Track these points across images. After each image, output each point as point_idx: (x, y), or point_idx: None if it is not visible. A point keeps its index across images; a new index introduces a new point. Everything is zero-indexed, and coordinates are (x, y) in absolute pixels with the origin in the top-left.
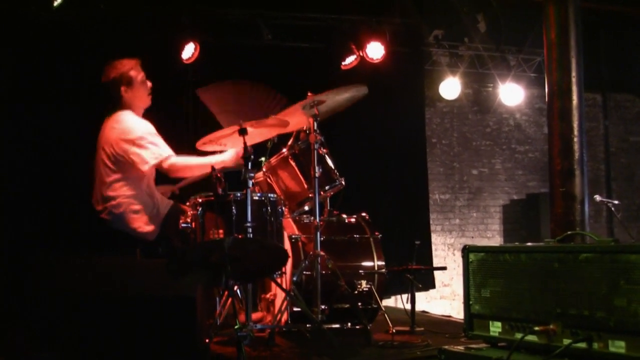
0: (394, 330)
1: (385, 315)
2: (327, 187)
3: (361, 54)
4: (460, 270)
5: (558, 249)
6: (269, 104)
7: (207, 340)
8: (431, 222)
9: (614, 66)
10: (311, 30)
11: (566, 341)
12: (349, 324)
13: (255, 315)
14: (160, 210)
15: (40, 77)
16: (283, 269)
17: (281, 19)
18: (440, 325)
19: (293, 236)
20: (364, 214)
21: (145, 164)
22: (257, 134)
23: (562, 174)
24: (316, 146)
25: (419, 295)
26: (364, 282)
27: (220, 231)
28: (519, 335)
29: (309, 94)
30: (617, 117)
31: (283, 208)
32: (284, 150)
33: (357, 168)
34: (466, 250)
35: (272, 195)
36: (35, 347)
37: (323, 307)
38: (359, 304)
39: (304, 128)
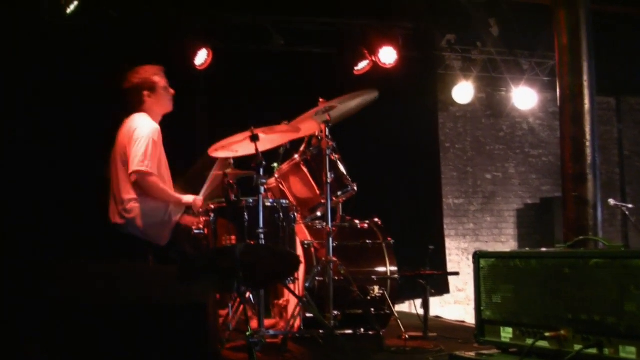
0: (406, 336)
1: (398, 320)
2: (339, 193)
3: (373, 59)
4: None
5: (568, 254)
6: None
7: (219, 347)
8: (445, 226)
9: (627, 70)
10: (323, 35)
11: (577, 347)
12: (362, 329)
13: (268, 322)
14: (172, 216)
15: (55, 83)
16: (295, 275)
17: (293, 25)
18: (454, 331)
19: (305, 242)
20: (376, 220)
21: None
22: (269, 140)
23: (574, 179)
24: (328, 152)
25: (433, 301)
26: (376, 288)
27: (233, 237)
28: (530, 341)
29: (321, 100)
30: (631, 121)
31: (295, 214)
32: (296, 156)
33: (371, 173)
34: (477, 256)
35: (284, 201)
36: (50, 356)
37: (335, 312)
38: (372, 309)
39: (316, 134)
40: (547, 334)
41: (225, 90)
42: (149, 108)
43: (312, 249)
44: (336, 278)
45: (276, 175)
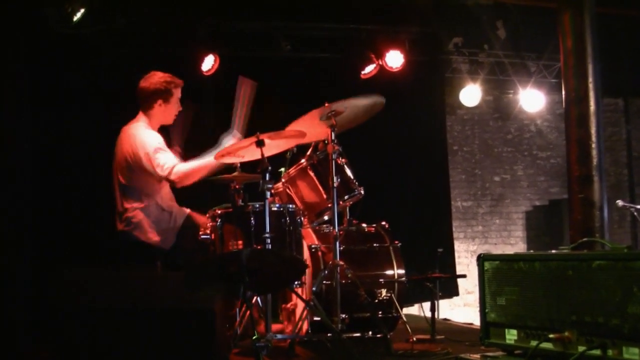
0: (414, 339)
1: (406, 323)
2: (346, 197)
3: (380, 63)
4: None
5: (571, 256)
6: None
7: (226, 352)
8: (454, 229)
9: (635, 71)
10: (330, 40)
11: (581, 348)
12: (370, 332)
13: (276, 326)
14: (177, 219)
15: (60, 91)
16: (303, 279)
17: (299, 30)
18: (462, 333)
19: (313, 246)
20: (383, 223)
21: (158, 175)
22: (275, 145)
23: (580, 181)
24: (334, 156)
25: (442, 303)
26: (384, 291)
27: (239, 242)
28: (534, 343)
29: (326, 103)
30: (639, 122)
31: (302, 218)
32: (303, 160)
33: (380, 177)
34: (481, 259)
35: (290, 205)
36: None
37: (343, 316)
38: (379, 312)
39: (323, 139)
40: (551, 336)
41: (232, 96)
42: (153, 115)
43: (320, 253)
44: (343, 282)
45: (283, 180)
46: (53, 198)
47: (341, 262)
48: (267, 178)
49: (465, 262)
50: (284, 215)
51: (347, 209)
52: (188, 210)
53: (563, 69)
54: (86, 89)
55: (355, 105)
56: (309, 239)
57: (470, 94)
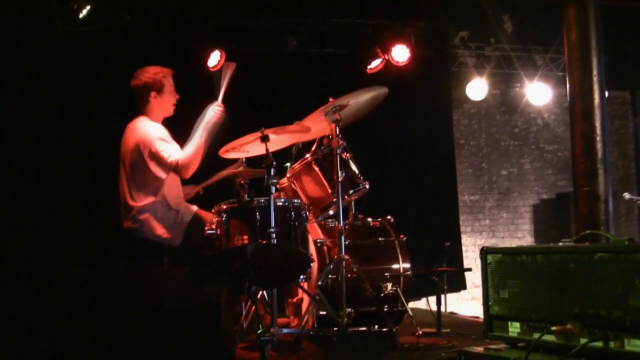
0: (420, 333)
1: (412, 317)
2: (351, 192)
3: (386, 57)
4: None
5: (573, 249)
6: None
7: (232, 346)
8: (461, 223)
9: None
10: (336, 35)
11: (583, 341)
12: (375, 326)
13: (282, 320)
14: (184, 217)
15: (66, 88)
16: (308, 273)
17: (306, 26)
18: (467, 327)
19: (318, 240)
20: (388, 217)
21: (164, 168)
22: (279, 140)
23: (585, 174)
24: (339, 151)
25: (450, 297)
26: (389, 285)
27: (245, 237)
28: (537, 336)
29: (330, 99)
30: None
31: (307, 213)
32: (308, 155)
33: (387, 172)
34: (484, 252)
35: (295, 200)
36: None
37: (349, 310)
38: (385, 306)
39: (328, 134)
40: (553, 328)
41: (238, 91)
42: (152, 109)
43: (325, 248)
44: (349, 276)
45: (288, 175)
46: (55, 197)
47: (346, 257)
48: (272, 173)
49: (473, 256)
50: (289, 210)
51: (352, 204)
52: (195, 208)
53: (567, 63)
54: (88, 87)
55: (359, 98)
56: (315, 233)
57: (477, 88)
